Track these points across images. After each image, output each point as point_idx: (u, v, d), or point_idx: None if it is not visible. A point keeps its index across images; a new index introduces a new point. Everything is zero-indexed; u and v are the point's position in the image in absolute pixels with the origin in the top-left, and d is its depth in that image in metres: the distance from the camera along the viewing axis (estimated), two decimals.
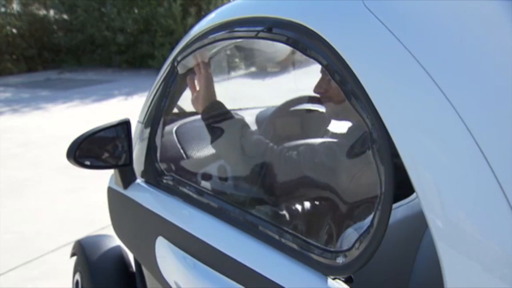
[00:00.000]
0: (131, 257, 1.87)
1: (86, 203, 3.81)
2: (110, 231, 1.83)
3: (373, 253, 0.73)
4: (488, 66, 0.68)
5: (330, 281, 0.80)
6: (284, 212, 1.11)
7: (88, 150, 1.40)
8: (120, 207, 1.59)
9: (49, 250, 3.10)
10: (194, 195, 1.19)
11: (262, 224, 0.97)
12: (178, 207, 1.23)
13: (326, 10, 0.85)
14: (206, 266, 1.06)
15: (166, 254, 1.23)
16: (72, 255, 2.04)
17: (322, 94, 1.16)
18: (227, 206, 1.10)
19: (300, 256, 0.86)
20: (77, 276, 1.96)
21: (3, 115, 7.48)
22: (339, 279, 0.81)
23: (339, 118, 1.15)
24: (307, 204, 1.10)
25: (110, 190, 1.63)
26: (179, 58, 1.28)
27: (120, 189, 1.51)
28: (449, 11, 0.75)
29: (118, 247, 1.93)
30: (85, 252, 1.88)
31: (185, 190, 1.23)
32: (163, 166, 1.37)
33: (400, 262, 1.16)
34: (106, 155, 1.44)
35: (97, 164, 1.43)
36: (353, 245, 0.76)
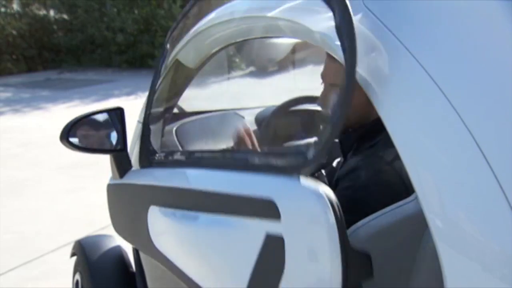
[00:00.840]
0: (131, 257, 1.88)
1: (86, 203, 3.81)
2: (110, 231, 1.83)
3: (338, 132, 0.76)
4: (488, 66, 0.68)
5: (306, 181, 0.81)
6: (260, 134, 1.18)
7: (82, 133, 1.40)
8: (116, 196, 1.61)
9: (49, 250, 3.11)
10: (182, 158, 1.24)
11: (239, 154, 1.01)
12: (167, 172, 1.27)
13: None
14: (194, 212, 1.09)
15: (156, 220, 1.26)
16: (72, 255, 2.04)
17: (323, 79, 1.21)
18: (212, 155, 1.17)
19: (279, 169, 0.87)
20: (77, 276, 1.97)
21: (3, 115, 7.48)
22: (312, 176, 0.82)
23: (328, 100, 1.19)
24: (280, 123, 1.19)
25: (109, 186, 1.65)
26: (168, 34, 1.34)
27: (117, 180, 1.52)
28: (449, 11, 0.75)
29: (118, 247, 1.93)
30: (85, 252, 1.88)
31: (173, 157, 1.29)
32: (156, 147, 1.39)
33: (400, 262, 1.15)
34: (100, 139, 1.45)
35: (91, 147, 1.44)
36: (321, 135, 0.78)
